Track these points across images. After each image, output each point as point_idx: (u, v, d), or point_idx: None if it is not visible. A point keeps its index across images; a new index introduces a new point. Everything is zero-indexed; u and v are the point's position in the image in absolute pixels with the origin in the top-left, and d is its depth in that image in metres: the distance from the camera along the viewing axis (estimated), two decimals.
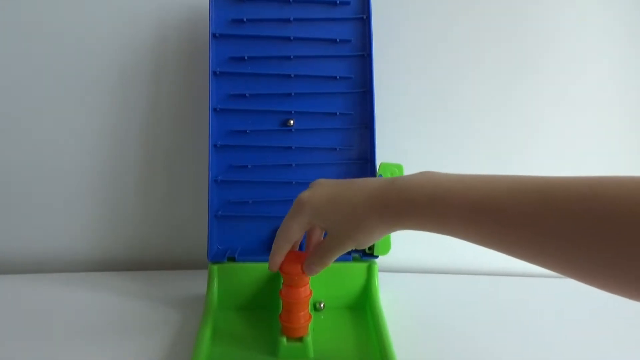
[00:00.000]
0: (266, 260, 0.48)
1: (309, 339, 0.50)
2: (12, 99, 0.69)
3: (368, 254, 0.59)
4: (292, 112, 0.62)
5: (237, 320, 0.56)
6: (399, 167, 0.60)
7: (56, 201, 0.72)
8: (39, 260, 0.73)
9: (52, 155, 0.71)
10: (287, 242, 0.46)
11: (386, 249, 0.59)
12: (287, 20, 0.62)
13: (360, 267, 0.59)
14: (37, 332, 0.55)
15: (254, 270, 0.58)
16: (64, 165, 0.71)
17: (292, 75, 0.62)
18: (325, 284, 0.57)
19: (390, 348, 0.49)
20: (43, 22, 0.68)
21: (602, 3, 0.70)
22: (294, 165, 0.62)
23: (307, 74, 0.62)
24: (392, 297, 0.62)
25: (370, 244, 0.43)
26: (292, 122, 0.61)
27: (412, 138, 0.72)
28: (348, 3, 0.62)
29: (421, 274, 0.72)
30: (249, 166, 0.62)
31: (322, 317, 0.57)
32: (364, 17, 0.62)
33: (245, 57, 0.62)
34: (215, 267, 0.58)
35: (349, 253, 0.59)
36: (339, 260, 0.46)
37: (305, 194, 0.44)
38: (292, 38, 0.62)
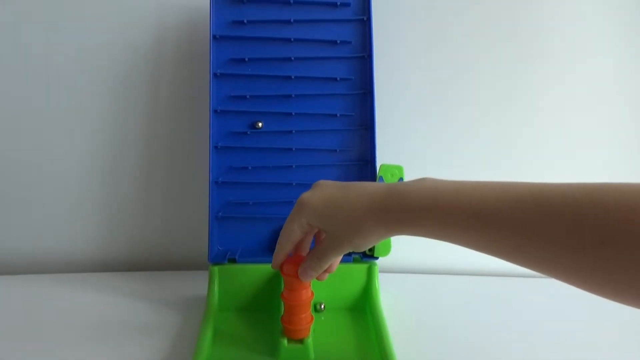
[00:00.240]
0: (267, 262, 0.48)
1: (309, 340, 0.50)
2: (13, 100, 0.69)
3: (368, 256, 0.60)
4: (293, 113, 0.62)
5: (237, 321, 0.56)
6: (399, 168, 0.60)
7: (57, 202, 0.72)
8: (39, 261, 0.73)
9: (53, 156, 0.71)
10: (288, 242, 0.46)
11: (386, 250, 0.59)
12: (288, 22, 0.62)
13: (360, 268, 0.59)
14: (37, 332, 0.55)
15: (255, 272, 0.58)
16: (64, 166, 0.71)
17: (293, 77, 0.62)
18: (325, 285, 0.56)
19: (390, 349, 0.49)
20: (43, 23, 0.68)
21: (602, 3, 0.71)
22: (294, 166, 0.62)
23: (307, 76, 0.62)
24: (392, 298, 0.62)
25: (366, 248, 0.43)
26: (260, 124, 0.61)
27: (412, 140, 0.72)
28: (348, 4, 0.62)
29: (421, 274, 0.72)
30: (250, 167, 0.62)
31: (322, 318, 0.57)
32: (365, 18, 0.62)
33: (246, 59, 0.62)
34: (215, 269, 0.58)
35: (349, 254, 0.59)
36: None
37: (306, 195, 0.44)
38: (292, 39, 0.62)
